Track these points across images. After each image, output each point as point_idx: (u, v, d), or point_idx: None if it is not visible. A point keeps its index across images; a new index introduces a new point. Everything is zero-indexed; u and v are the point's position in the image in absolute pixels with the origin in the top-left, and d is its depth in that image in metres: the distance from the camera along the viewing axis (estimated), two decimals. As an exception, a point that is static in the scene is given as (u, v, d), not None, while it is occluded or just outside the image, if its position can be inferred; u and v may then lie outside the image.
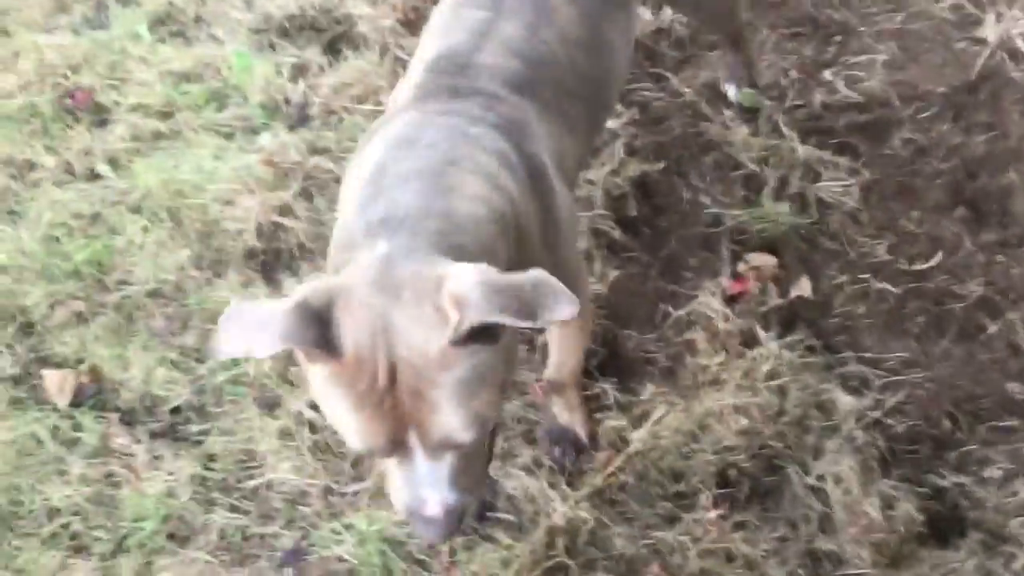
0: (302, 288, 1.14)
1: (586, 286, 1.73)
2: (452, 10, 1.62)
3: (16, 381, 2.05)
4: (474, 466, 1.25)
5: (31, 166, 2.38)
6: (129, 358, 2.04)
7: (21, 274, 2.18)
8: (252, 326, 1.09)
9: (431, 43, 1.59)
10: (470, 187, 1.30)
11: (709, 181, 2.19)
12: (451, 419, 1.13)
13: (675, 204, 2.16)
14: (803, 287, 2.03)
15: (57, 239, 2.23)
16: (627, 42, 1.77)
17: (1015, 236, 2.09)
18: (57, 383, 2.02)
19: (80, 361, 2.06)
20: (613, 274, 2.07)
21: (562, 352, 1.78)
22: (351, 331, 1.11)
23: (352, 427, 1.15)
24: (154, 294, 2.13)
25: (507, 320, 1.08)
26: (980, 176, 2.17)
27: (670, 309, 2.02)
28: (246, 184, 2.23)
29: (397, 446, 1.16)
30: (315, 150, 2.28)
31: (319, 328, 1.09)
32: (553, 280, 1.11)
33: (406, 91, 1.55)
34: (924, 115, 2.27)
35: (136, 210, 2.26)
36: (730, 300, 2.01)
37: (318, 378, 1.15)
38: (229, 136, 2.37)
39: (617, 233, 2.12)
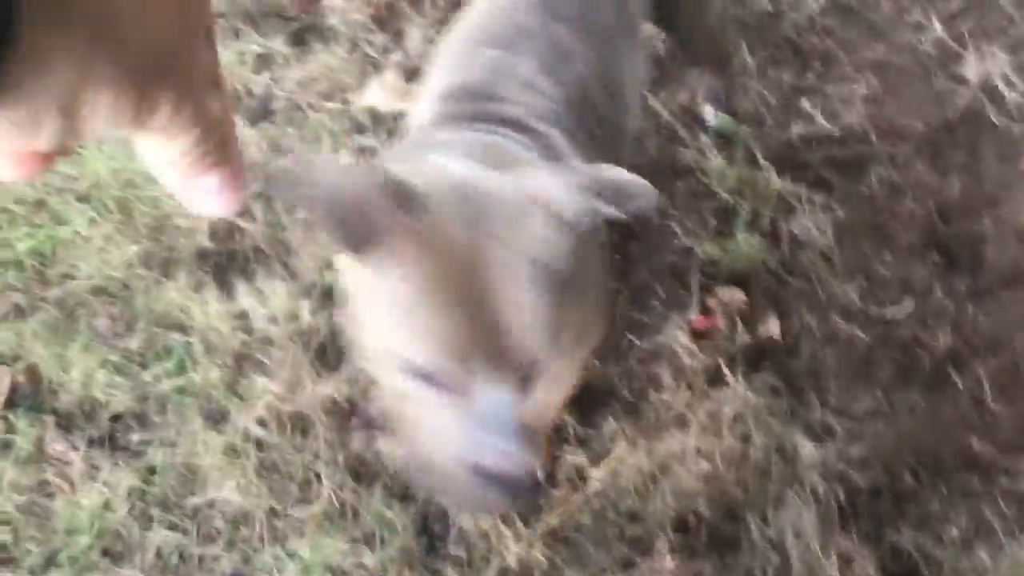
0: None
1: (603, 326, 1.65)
2: (464, 47, 1.52)
3: (-55, 377, 1.94)
4: (535, 434, 1.05)
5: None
6: (69, 358, 1.94)
7: (-43, 261, 2.07)
8: (333, 172, 1.00)
9: (443, 77, 1.49)
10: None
11: (682, 209, 2.14)
12: (535, 326, 0.99)
13: (646, 231, 2.10)
14: (771, 327, 1.99)
15: (-2, 226, 2.12)
16: (641, 82, 1.72)
17: (985, 285, 2.07)
18: (-9, 381, 1.93)
19: (17, 359, 1.96)
20: (580, 300, 2.00)
21: (550, 389, 1.69)
22: (439, 213, 0.99)
23: (421, 330, 0.98)
24: (99, 291, 2.03)
25: (603, 208, 1.03)
26: (954, 221, 2.14)
27: (636, 340, 1.97)
28: (202, 179, 2.12)
29: (465, 368, 0.99)
30: (277, 149, 2.19)
31: (407, 205, 0.98)
32: (634, 175, 1.08)
33: (416, 120, 1.47)
34: (901, 153, 2.23)
35: (84, 199, 2.15)
36: (697, 335, 1.96)
37: (385, 268, 0.99)
38: (186, 126, 2.26)
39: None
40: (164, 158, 0.48)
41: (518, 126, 1.33)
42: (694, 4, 2.02)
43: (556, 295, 1.01)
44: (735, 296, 2.02)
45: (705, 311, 2.00)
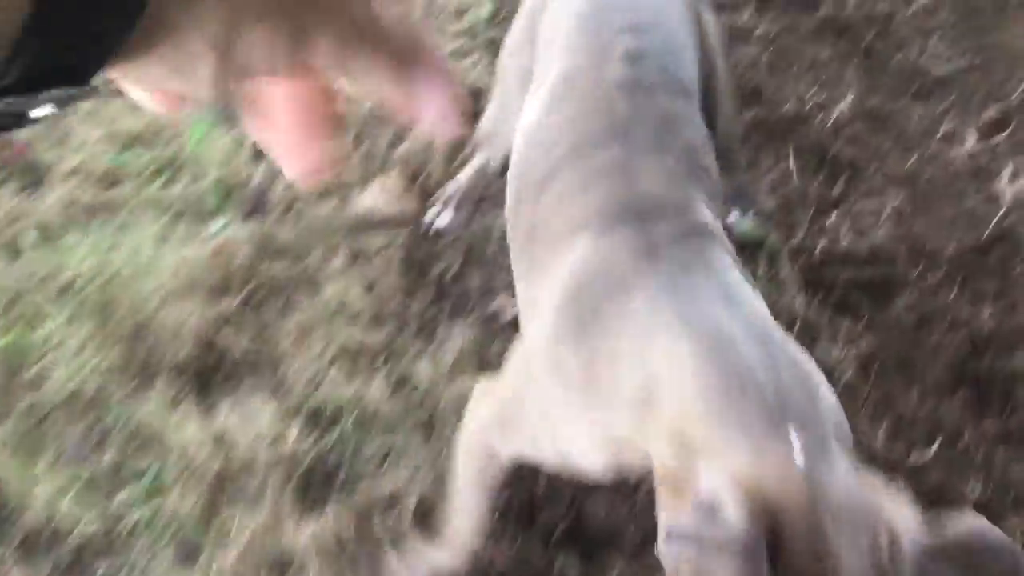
0: (730, 496, 0.94)
1: None
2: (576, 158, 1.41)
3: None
4: None
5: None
6: (36, 475, 1.81)
7: (-80, 360, 1.94)
8: (705, 551, 0.92)
9: (587, 192, 1.35)
10: (793, 345, 1.12)
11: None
12: None
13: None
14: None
15: (-33, 321, 1.99)
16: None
17: (1018, 427, 1.94)
18: (-50, 498, 1.79)
19: (-21, 472, 1.82)
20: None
21: None
22: (787, 561, 0.91)
23: None
24: (72, 399, 1.90)
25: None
26: (985, 355, 2.02)
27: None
28: (188, 281, 2.01)
29: None
30: (268, 251, 2.06)
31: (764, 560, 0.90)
32: (998, 534, 0.94)
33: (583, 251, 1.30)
34: (930, 278, 2.11)
35: (64, 292, 2.02)
36: None
37: None
38: (177, 216, 2.15)
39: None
40: (363, 90, 0.46)
41: (700, 230, 1.28)
42: (711, 105, 1.91)
43: None
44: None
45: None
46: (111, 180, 2.21)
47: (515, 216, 1.51)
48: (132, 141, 2.26)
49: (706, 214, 1.32)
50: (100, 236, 2.09)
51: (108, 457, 1.83)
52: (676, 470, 1.01)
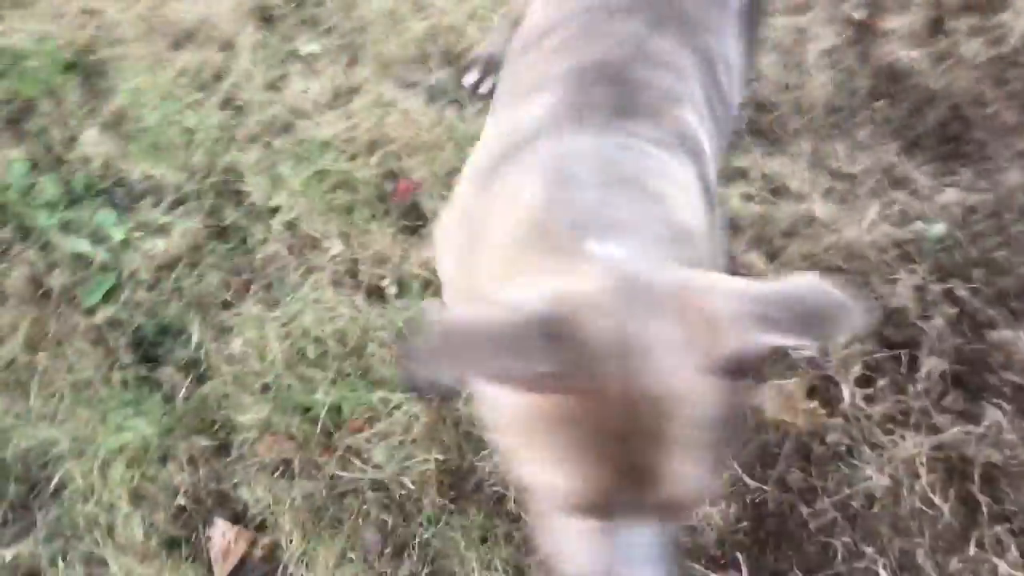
0: (520, 294, 0.95)
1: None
2: (592, 21, 1.42)
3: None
4: (673, 549, 1.02)
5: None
6: (317, 553, 1.61)
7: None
8: (474, 341, 0.90)
9: (573, 46, 1.39)
10: (682, 199, 1.18)
11: None
12: (690, 473, 0.92)
13: None
14: None
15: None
16: (741, 69, 1.62)
17: None
18: None
19: (263, 527, 1.63)
20: None
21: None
22: (589, 352, 0.90)
23: (568, 474, 0.92)
24: (380, 488, 1.68)
25: (781, 340, 0.91)
26: None
27: None
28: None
29: (612, 504, 0.93)
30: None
31: (555, 347, 0.89)
32: (829, 287, 0.94)
33: (541, 109, 1.31)
34: None
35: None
36: None
37: (529, 410, 0.93)
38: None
39: None
40: None
41: (654, 117, 1.28)
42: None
43: (712, 440, 0.93)
44: None
45: None
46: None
47: (511, 61, 1.53)
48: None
49: (688, 124, 1.32)
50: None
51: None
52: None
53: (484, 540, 1.64)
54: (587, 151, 1.19)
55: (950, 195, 2.10)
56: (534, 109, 1.30)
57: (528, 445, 0.95)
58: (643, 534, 0.95)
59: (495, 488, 1.69)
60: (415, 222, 2.01)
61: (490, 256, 1.16)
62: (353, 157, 2.11)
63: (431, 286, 1.88)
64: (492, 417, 1.02)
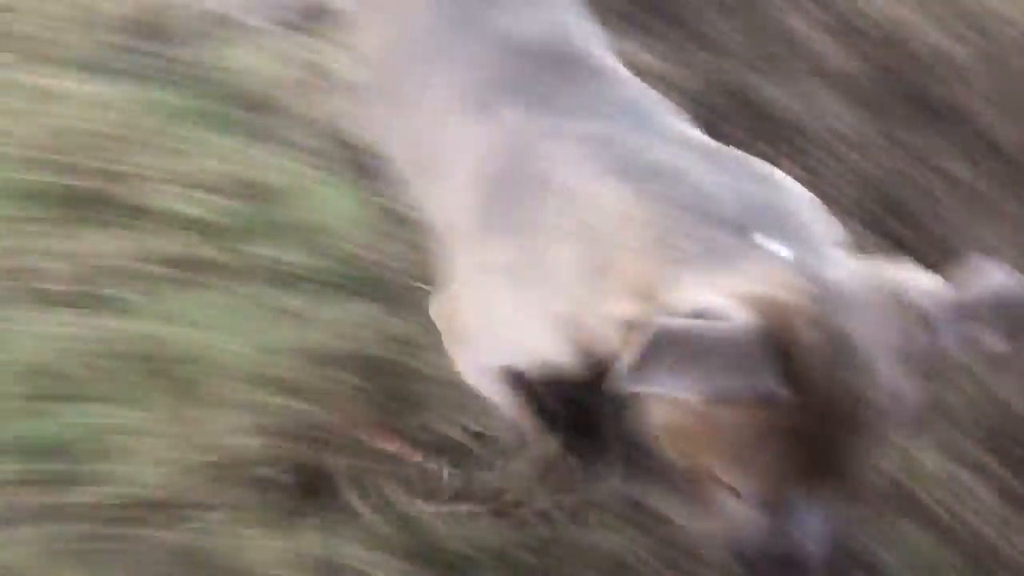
0: (721, 299, 0.94)
1: None
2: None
3: None
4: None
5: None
6: None
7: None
8: (696, 357, 0.88)
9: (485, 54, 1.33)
10: (778, 174, 1.15)
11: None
12: (871, 459, 0.96)
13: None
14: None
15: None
16: None
17: None
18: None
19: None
20: None
21: None
22: (811, 365, 0.91)
23: (764, 474, 0.96)
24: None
25: (978, 334, 0.95)
26: None
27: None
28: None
29: (798, 493, 0.98)
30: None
31: (778, 362, 0.89)
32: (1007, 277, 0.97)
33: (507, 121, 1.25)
34: None
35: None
36: None
37: (730, 421, 0.93)
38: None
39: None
40: None
41: (591, 70, 1.30)
42: None
43: (899, 427, 0.97)
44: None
45: None
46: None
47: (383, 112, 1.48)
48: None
49: (596, 51, 1.32)
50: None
51: None
52: (645, 323, 0.94)
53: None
54: (626, 138, 1.16)
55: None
56: (487, 127, 1.25)
57: (718, 448, 0.96)
58: (818, 511, 0.98)
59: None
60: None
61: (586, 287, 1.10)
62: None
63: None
64: (668, 412, 1.00)
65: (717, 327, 0.89)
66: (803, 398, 0.91)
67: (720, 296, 0.94)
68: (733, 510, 1.02)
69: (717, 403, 0.91)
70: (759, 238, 0.99)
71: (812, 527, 0.99)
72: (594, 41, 1.34)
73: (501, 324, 1.24)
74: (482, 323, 1.28)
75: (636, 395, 1.01)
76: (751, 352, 0.88)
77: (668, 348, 0.88)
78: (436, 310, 1.40)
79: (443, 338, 1.42)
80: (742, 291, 0.94)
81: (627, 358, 0.90)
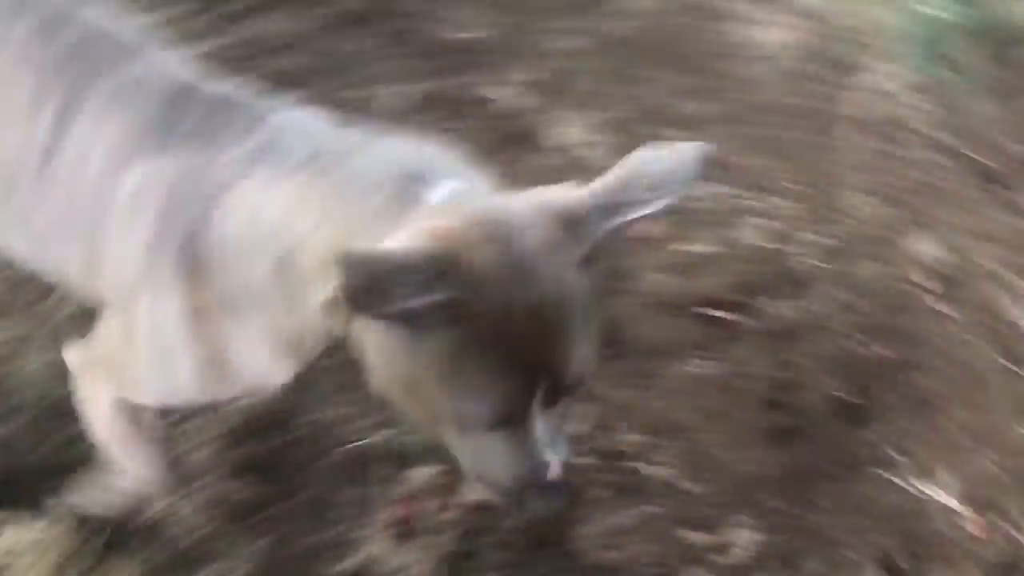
0: (402, 238, 1.01)
1: None
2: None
3: None
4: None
5: None
6: None
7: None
8: (387, 272, 0.94)
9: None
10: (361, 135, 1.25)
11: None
12: (585, 352, 1.06)
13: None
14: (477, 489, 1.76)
15: None
16: None
17: (627, 370, 2.05)
18: None
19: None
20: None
21: None
22: (484, 276, 0.98)
23: (488, 394, 1.02)
24: None
25: (635, 214, 1.04)
26: None
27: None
28: None
29: (525, 404, 1.04)
30: None
31: (453, 278, 0.96)
32: (661, 148, 1.07)
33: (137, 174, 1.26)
34: None
35: None
36: (404, 534, 1.81)
37: (438, 347, 0.99)
38: None
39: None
40: None
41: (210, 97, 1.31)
42: None
43: (589, 311, 1.06)
44: (424, 474, 1.86)
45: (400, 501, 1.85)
46: None
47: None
48: None
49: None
50: None
51: None
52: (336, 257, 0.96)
53: None
54: (281, 143, 1.20)
55: None
56: (129, 178, 1.26)
57: (437, 383, 1.01)
58: (552, 419, 1.06)
59: None
60: None
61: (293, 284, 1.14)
62: None
63: None
64: (388, 368, 1.05)
65: (397, 252, 0.97)
66: (487, 305, 0.97)
67: (397, 239, 1.00)
68: (481, 448, 1.07)
69: (418, 330, 0.97)
70: (422, 192, 1.05)
71: (549, 435, 1.06)
72: (192, 69, 1.34)
73: (171, 364, 1.27)
74: (153, 361, 1.29)
75: (356, 345, 1.08)
76: (428, 269, 0.93)
77: (360, 274, 0.91)
78: (81, 357, 1.43)
79: (85, 387, 1.44)
80: (415, 229, 1.00)
81: (330, 296, 1.00)
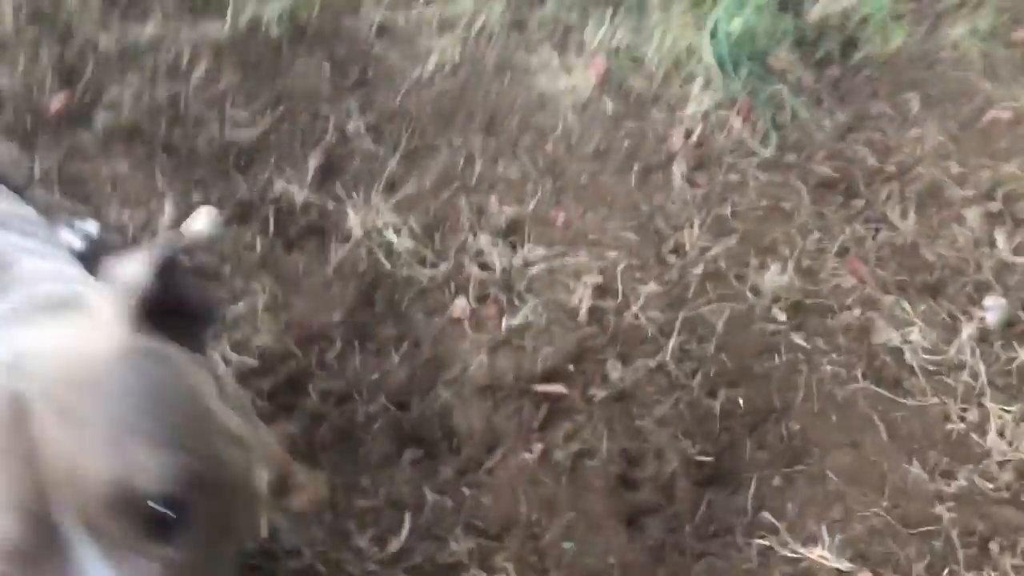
0: None
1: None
2: None
3: None
4: None
5: None
6: None
7: None
8: None
9: None
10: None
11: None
12: (103, 448, 0.79)
13: None
14: None
15: None
16: None
17: (460, 467, 1.93)
18: None
19: None
20: None
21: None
22: None
23: None
24: None
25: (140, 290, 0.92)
26: (412, 405, 1.99)
27: None
28: None
29: (43, 529, 0.76)
30: None
31: None
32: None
33: None
34: (331, 355, 2.03)
35: None
36: None
37: None
38: None
39: None
40: None
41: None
42: None
43: (139, 401, 0.85)
44: None
45: None
46: None
47: None
48: None
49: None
50: None
51: None
52: None
53: None
54: None
55: None
56: None
57: None
58: (108, 563, 0.76)
59: None
60: None
61: None
62: None
63: None
64: None
65: None
66: None
67: None
68: None
69: None
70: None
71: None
72: None
73: None
74: None
75: None
76: None
77: None
78: None
79: None
80: None
81: None
